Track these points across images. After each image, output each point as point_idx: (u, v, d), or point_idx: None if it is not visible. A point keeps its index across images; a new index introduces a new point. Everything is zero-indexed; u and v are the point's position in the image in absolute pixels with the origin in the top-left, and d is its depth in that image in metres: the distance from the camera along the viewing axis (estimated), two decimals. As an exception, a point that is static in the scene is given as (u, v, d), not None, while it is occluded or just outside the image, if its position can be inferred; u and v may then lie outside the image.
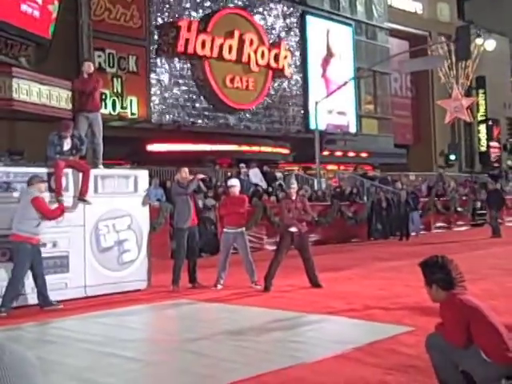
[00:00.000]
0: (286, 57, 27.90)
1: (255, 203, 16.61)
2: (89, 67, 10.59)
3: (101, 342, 6.78)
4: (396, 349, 6.14)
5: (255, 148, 26.36)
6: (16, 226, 8.53)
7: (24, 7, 18.36)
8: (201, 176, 11.09)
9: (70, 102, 18.73)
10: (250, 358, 6.04)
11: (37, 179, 8.79)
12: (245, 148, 25.94)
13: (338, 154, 30.68)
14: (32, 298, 8.85)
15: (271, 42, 27.65)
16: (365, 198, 22.06)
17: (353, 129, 31.46)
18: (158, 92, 23.61)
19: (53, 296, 8.81)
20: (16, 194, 8.94)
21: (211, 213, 15.68)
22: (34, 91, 17.83)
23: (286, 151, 27.97)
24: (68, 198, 9.52)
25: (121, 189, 10.27)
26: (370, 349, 6.17)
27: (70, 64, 20.31)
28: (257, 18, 27.32)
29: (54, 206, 8.99)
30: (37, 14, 18.83)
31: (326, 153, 28.25)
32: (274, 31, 28.12)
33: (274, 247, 12.28)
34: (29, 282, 8.74)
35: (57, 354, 6.33)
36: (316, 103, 25.39)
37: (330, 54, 30.73)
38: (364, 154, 31.41)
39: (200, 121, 24.91)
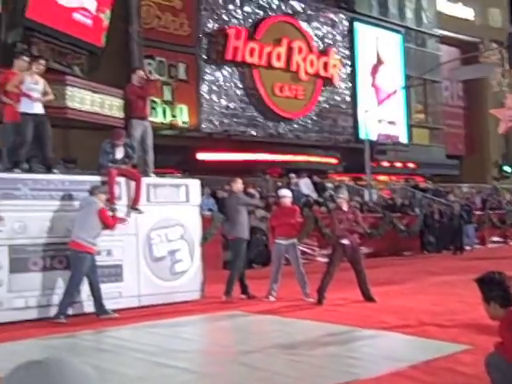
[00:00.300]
0: (335, 65, 27.75)
1: (306, 214, 16.50)
2: (142, 75, 10.72)
3: (154, 352, 6.78)
4: (453, 367, 5.97)
5: (305, 158, 26.26)
6: (76, 234, 8.64)
7: (77, 16, 18.69)
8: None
9: (122, 110, 18.98)
10: (303, 373, 5.96)
11: (99, 189, 8.91)
12: (294, 158, 25.85)
13: (389, 164, 30.34)
14: (87, 306, 8.95)
15: (320, 49, 27.53)
16: (417, 210, 21.73)
17: (404, 139, 31.05)
18: (208, 100, 23.70)
19: (107, 305, 8.89)
20: (74, 203, 9.05)
21: (262, 224, 15.62)
22: (86, 99, 18.12)
23: (335, 161, 27.79)
24: (121, 207, 9.61)
25: (172, 198, 10.30)
26: (426, 367, 6.01)
27: (122, 72, 20.49)
28: (305, 26, 27.24)
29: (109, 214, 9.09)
30: (89, 22, 19.14)
31: (376, 163, 27.96)
32: (322, 39, 28.00)
33: (326, 259, 12.18)
34: (84, 289, 8.83)
35: (111, 363, 6.36)
36: (366, 112, 25.17)
37: (379, 62, 30.46)
38: (415, 165, 30.94)
39: (249, 130, 24.91)
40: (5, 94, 9.44)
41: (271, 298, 10.19)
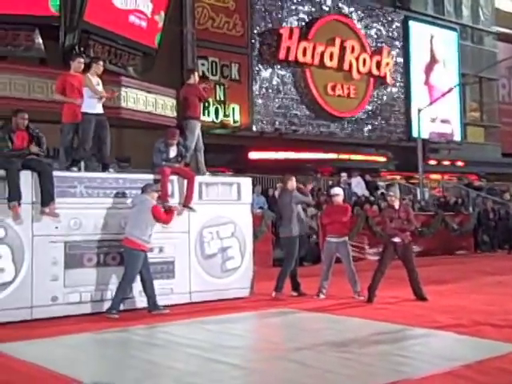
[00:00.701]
0: (388, 64, 27.49)
1: (357, 212, 16.42)
2: (196, 76, 10.88)
3: (205, 347, 6.85)
4: (508, 368, 5.89)
5: (356, 156, 26.12)
6: (129, 231, 8.80)
7: (132, 18, 18.99)
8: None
9: (175, 109, 19.21)
10: (354, 371, 5.94)
11: (151, 187, 9.06)
12: (346, 156, 25.75)
13: (442, 163, 29.87)
14: (140, 302, 9.09)
15: (373, 48, 27.32)
16: (470, 209, 21.37)
17: (457, 137, 30.53)
18: (260, 100, 23.78)
19: (159, 301, 9.00)
20: (127, 201, 9.23)
21: (313, 222, 15.61)
22: (140, 99, 18.40)
23: (387, 160, 27.54)
24: (174, 205, 9.72)
25: (224, 196, 10.39)
26: (479, 367, 5.93)
27: (175, 73, 20.79)
28: (358, 25, 27.09)
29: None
30: (144, 24, 19.43)
31: (429, 162, 27.59)
32: (375, 38, 27.78)
33: (377, 257, 12.10)
34: (137, 285, 8.98)
35: (163, 358, 6.45)
36: (419, 111, 24.87)
37: (433, 60, 30.04)
38: (468, 164, 30.41)
39: (301, 129, 24.91)
40: (64, 94, 9.65)
41: (321, 296, 10.19)
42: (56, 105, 13.20)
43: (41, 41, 17.32)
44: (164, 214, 9.01)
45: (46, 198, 8.55)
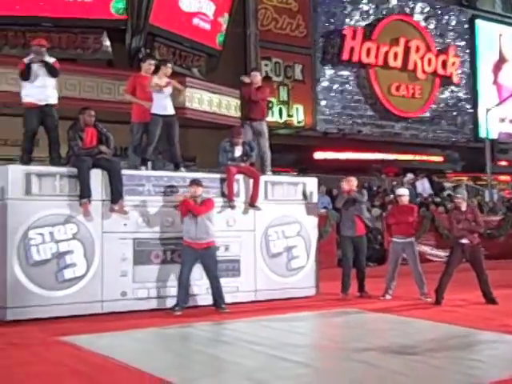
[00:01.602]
0: (454, 63, 27.06)
1: (423, 213, 16.18)
2: (255, 77, 10.84)
3: (271, 345, 6.86)
4: None
5: (422, 157, 25.77)
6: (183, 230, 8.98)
7: (196, 20, 19.27)
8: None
9: (239, 109, 19.33)
10: (421, 373, 5.85)
11: (192, 183, 9.02)
12: (411, 157, 25.44)
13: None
14: (205, 299, 9.16)
15: (438, 48, 26.89)
16: (542, 211, 20.72)
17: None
18: (324, 100, 23.73)
19: (225, 299, 9.07)
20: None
21: (377, 222, 15.46)
22: (205, 100, 18.61)
23: (453, 161, 27.05)
24: (239, 204, 9.82)
25: (290, 196, 10.40)
26: (552, 372, 5.77)
27: (238, 73, 20.78)
28: (423, 24, 26.72)
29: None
30: (208, 26, 19.69)
31: (498, 163, 26.96)
32: (441, 37, 27.36)
33: (444, 259, 11.90)
34: (203, 282, 9.09)
35: (229, 354, 6.51)
36: (487, 111, 24.36)
37: (502, 60, 29.40)
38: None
39: (365, 129, 24.74)
40: (134, 95, 9.82)
41: (388, 297, 10.08)
42: (123, 105, 13.48)
43: (108, 43, 17.74)
44: (192, 205, 8.87)
45: (116, 195, 8.75)
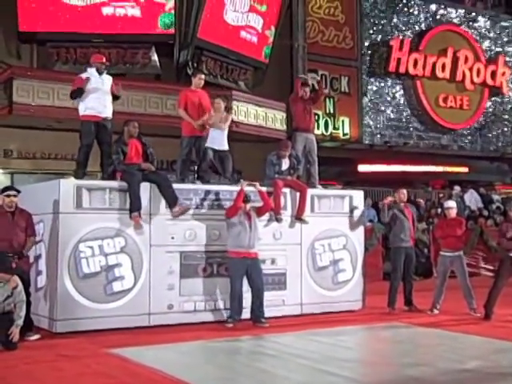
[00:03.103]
0: (504, 73, 26.57)
1: (471, 226, 15.94)
2: (305, 91, 10.87)
3: (318, 359, 6.84)
4: None
5: (469, 169, 25.39)
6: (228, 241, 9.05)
7: (243, 34, 19.43)
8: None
9: (285, 123, 19.40)
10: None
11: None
12: (458, 169, 25.09)
13: None
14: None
15: (488, 58, 26.52)
16: None
17: None
18: (370, 112, 23.61)
19: (270, 312, 9.09)
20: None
21: (424, 236, 15.30)
22: (251, 113, 18.72)
23: (501, 172, 26.58)
24: (286, 217, 9.82)
25: (336, 209, 10.37)
26: None
27: (285, 86, 20.96)
28: (472, 34, 26.38)
29: None
30: (255, 39, 19.81)
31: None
32: (491, 46, 26.95)
33: (492, 273, 11.68)
34: (248, 295, 9.04)
35: (276, 368, 6.51)
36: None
37: (553, 68, 28.74)
38: None
39: (411, 141, 24.50)
40: (186, 110, 9.92)
41: (435, 311, 9.95)
42: (169, 119, 13.68)
43: (156, 58, 18.02)
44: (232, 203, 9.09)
45: (172, 199, 8.87)
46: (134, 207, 8.62)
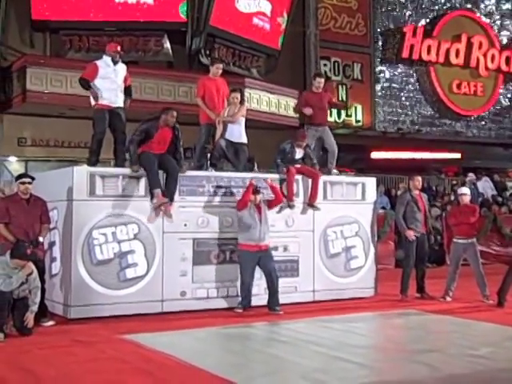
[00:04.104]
0: (518, 59, 26.40)
1: (484, 213, 15.86)
2: (319, 83, 10.80)
3: (330, 345, 6.86)
4: None
5: (482, 156, 25.25)
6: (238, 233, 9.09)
7: (255, 21, 19.40)
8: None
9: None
10: (486, 376, 5.76)
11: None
12: (471, 156, 24.97)
13: None
14: (264, 299, 9.13)
15: (503, 43, 26.30)
16: None
17: None
18: (382, 99, 23.52)
19: (283, 299, 9.09)
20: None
21: (437, 223, 15.25)
22: (264, 100, 18.71)
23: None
24: (298, 204, 9.83)
25: (349, 196, 10.37)
26: None
27: (297, 73, 20.96)
28: (487, 20, 26.16)
29: None
30: (267, 26, 19.77)
31: None
32: (505, 32, 26.72)
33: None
34: (262, 282, 9.11)
35: (289, 354, 6.52)
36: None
37: None
38: None
39: (424, 128, 24.40)
40: (203, 99, 9.94)
41: (448, 299, 9.94)
42: (183, 106, 13.67)
43: (169, 45, 18.03)
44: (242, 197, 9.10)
45: (170, 192, 8.79)
46: (155, 185, 8.60)
